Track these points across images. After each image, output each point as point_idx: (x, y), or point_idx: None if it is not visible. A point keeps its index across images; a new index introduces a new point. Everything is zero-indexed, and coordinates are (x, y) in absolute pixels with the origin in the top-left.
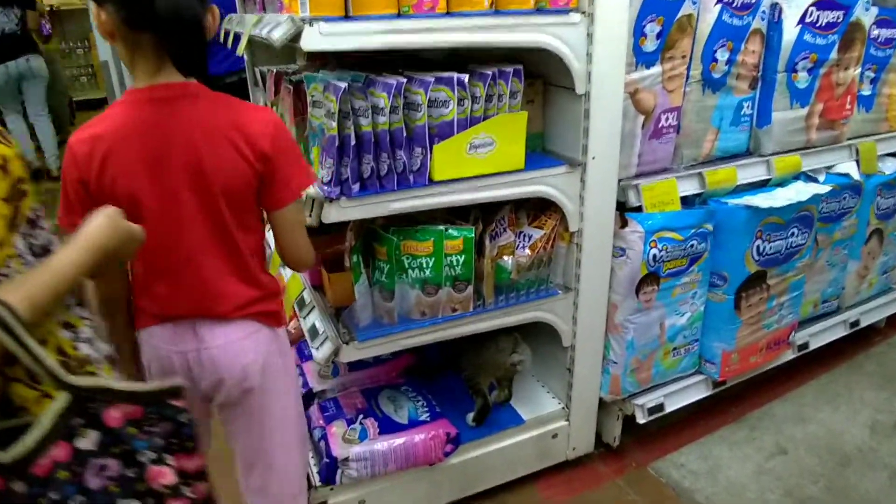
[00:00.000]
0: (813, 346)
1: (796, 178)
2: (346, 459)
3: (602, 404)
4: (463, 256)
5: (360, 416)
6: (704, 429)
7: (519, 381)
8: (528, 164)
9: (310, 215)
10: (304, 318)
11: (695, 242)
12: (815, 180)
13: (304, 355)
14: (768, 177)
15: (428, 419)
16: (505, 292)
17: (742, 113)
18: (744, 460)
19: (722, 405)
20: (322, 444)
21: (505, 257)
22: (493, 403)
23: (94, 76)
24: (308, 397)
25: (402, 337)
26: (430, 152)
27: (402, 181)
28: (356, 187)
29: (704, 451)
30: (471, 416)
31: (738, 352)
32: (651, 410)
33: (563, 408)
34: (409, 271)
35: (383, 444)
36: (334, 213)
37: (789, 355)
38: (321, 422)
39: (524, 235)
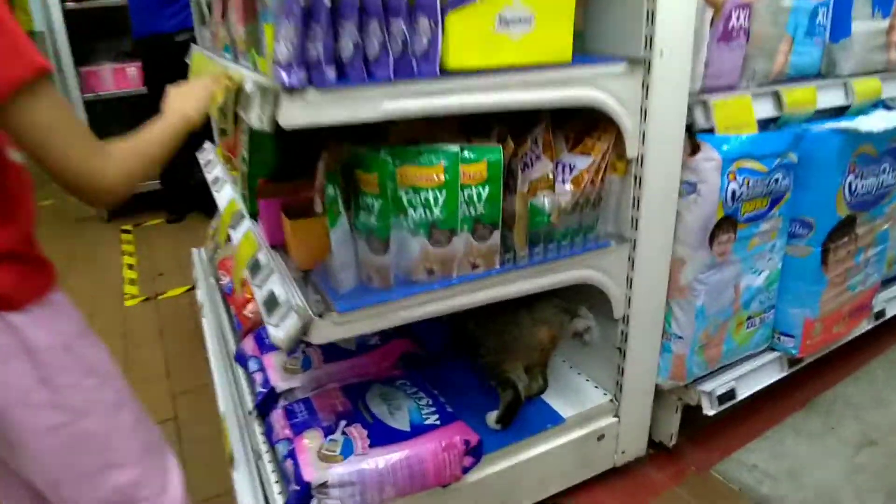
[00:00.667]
0: (889, 313)
1: (874, 106)
2: (325, 486)
3: (657, 394)
4: (487, 189)
5: (343, 423)
6: (768, 419)
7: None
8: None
9: (260, 119)
10: (260, 287)
11: (779, 176)
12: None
13: (263, 345)
14: (846, 103)
15: (437, 423)
16: (543, 243)
17: (817, 21)
18: (827, 456)
19: (783, 389)
20: (288, 464)
21: (540, 195)
22: (525, 398)
23: None
24: (269, 399)
25: (401, 307)
26: (443, 25)
27: (402, 68)
28: (331, 73)
29: (777, 447)
30: (494, 415)
31: (822, 320)
32: (721, 398)
33: (611, 400)
34: (410, 211)
35: (377, 462)
36: (297, 113)
37: (866, 325)
38: (287, 432)
39: (565, 166)
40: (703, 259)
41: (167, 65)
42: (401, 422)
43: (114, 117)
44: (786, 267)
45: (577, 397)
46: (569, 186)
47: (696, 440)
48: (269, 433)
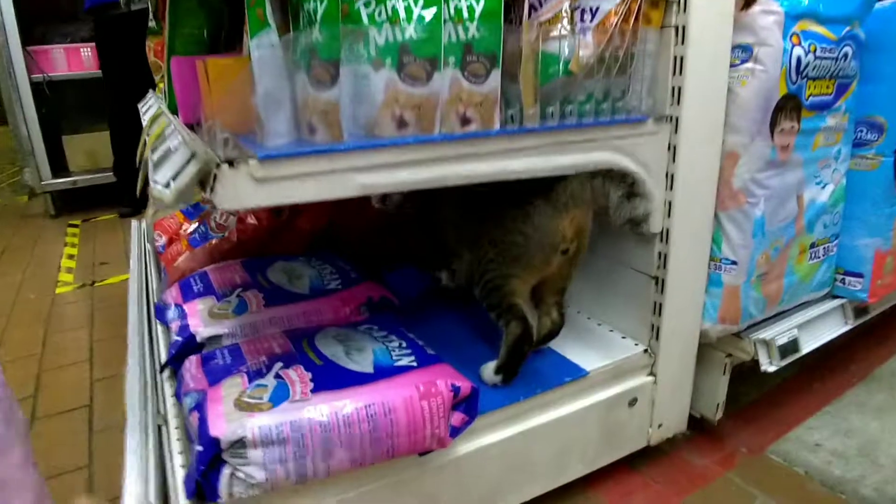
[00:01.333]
0: None
1: None
2: (240, 444)
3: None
4: (481, 1)
5: (278, 366)
6: (823, 393)
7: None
8: None
9: None
10: (154, 151)
11: (848, 50)
12: None
13: (189, 291)
14: None
15: (414, 364)
16: (559, 104)
17: None
18: None
19: (834, 361)
20: (194, 418)
21: (553, 41)
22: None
23: None
24: (187, 351)
25: (356, 166)
26: None
27: None
28: None
29: (841, 424)
30: (492, 366)
31: (894, 253)
32: (783, 351)
33: (646, 351)
34: (372, 31)
35: (322, 411)
36: None
37: None
38: (200, 382)
39: (585, 10)
40: (763, 152)
41: (119, 37)
42: (362, 364)
43: (66, 99)
44: (851, 185)
45: (600, 348)
46: (590, 37)
47: (741, 418)
48: (178, 389)
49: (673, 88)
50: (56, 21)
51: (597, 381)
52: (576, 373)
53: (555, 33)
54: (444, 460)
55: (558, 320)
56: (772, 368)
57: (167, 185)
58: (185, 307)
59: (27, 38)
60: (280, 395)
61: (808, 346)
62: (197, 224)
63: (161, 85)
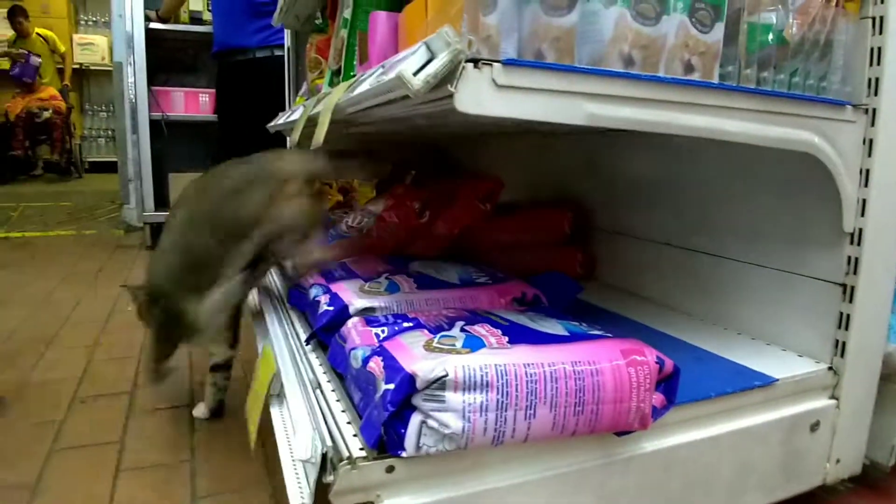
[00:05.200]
0: None
1: None
2: (439, 383)
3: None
4: None
5: (459, 323)
6: None
7: (706, 333)
8: None
9: None
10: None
11: None
12: None
13: (330, 276)
14: None
15: (609, 335)
16: (770, 70)
17: None
18: None
19: None
20: (375, 364)
21: (769, 11)
22: None
23: (112, 140)
24: (337, 322)
25: (587, 94)
26: None
27: None
28: None
29: None
30: None
31: None
32: None
33: (830, 369)
34: None
35: (528, 358)
36: None
37: None
38: (369, 338)
39: None
40: None
41: (240, 82)
42: (553, 329)
43: (175, 139)
44: None
45: (777, 366)
46: (793, 19)
47: None
48: (335, 352)
49: (869, 80)
50: (179, 71)
51: (783, 393)
52: (764, 379)
53: (766, 8)
54: (632, 453)
55: None
56: None
57: (416, 74)
58: (331, 286)
59: (151, 81)
60: (475, 344)
61: None
62: (326, 230)
63: (317, 82)
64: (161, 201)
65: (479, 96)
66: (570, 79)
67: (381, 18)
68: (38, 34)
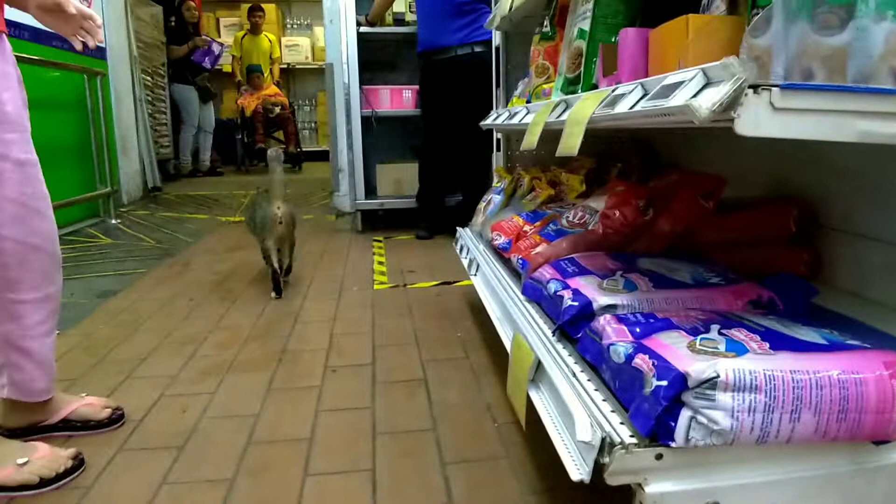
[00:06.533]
0: None
1: None
2: (710, 384)
3: None
4: None
5: (715, 326)
6: None
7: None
8: None
9: None
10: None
11: None
12: None
13: (564, 271)
14: None
15: (867, 346)
16: None
17: None
18: None
19: None
20: (642, 361)
21: None
22: None
23: (317, 131)
24: (582, 317)
25: (860, 112)
26: None
27: None
28: None
29: None
30: None
31: None
32: None
33: None
34: None
35: (794, 365)
36: None
37: None
38: (625, 336)
39: None
40: None
41: (444, 79)
42: (810, 337)
43: (383, 133)
44: None
45: None
46: None
47: None
48: (586, 345)
49: None
50: (383, 69)
51: None
52: None
53: None
54: (882, 462)
55: None
56: None
57: (694, 97)
58: (568, 282)
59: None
60: (738, 348)
61: None
62: (545, 224)
63: (544, 87)
64: (370, 190)
65: (758, 119)
66: (844, 98)
67: (630, 35)
68: (265, 35)
